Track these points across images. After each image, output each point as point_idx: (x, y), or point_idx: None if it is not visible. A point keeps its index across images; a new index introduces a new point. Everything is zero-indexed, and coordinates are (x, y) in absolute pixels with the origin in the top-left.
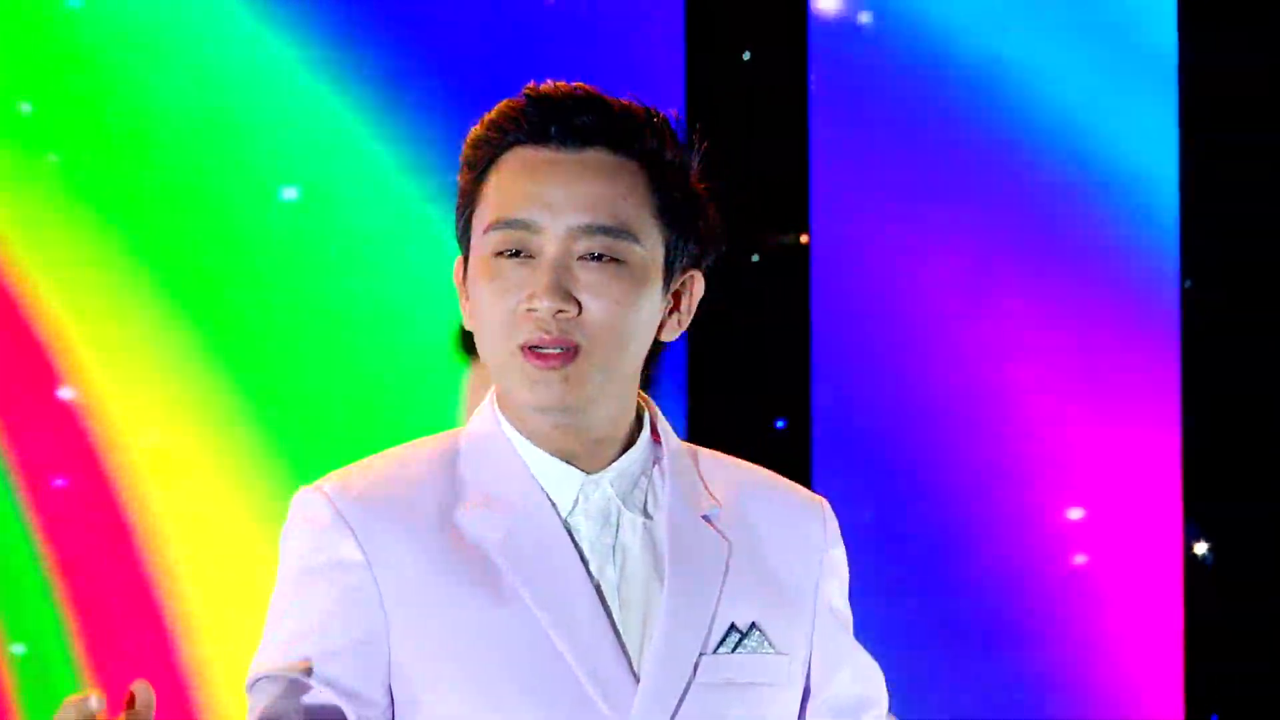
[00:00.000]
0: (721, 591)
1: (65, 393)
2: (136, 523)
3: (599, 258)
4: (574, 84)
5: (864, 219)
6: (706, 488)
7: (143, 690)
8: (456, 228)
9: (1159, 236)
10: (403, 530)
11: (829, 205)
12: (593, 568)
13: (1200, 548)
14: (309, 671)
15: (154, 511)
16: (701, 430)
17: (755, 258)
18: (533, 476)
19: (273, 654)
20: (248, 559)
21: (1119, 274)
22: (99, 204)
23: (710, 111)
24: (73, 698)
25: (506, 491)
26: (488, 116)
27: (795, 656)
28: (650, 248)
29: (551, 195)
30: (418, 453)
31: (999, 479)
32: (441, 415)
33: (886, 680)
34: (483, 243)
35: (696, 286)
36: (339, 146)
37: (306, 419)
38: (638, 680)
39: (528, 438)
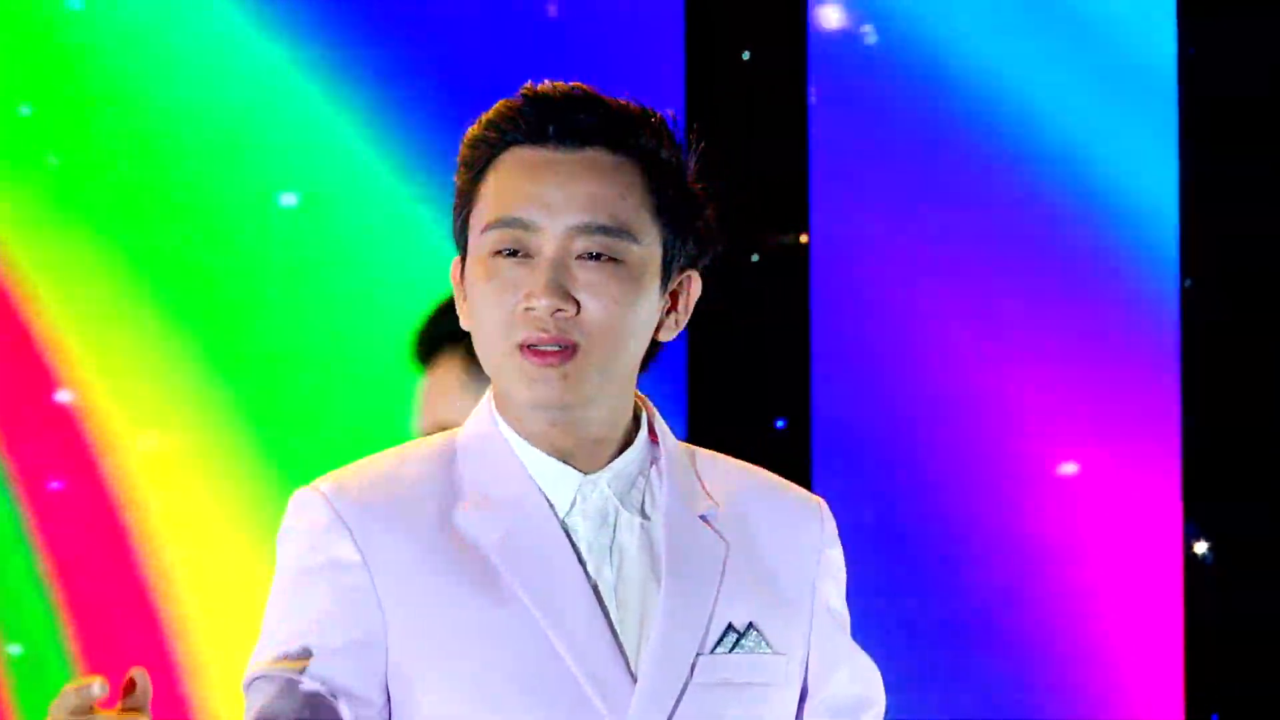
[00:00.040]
0: (719, 592)
1: (62, 395)
2: (133, 525)
3: (597, 257)
4: (572, 84)
5: (864, 219)
6: (704, 488)
7: (140, 678)
8: (454, 227)
9: (1159, 237)
10: (400, 531)
11: (828, 205)
12: (590, 568)
13: (1200, 547)
14: (306, 671)
15: (151, 514)
16: (701, 430)
17: (755, 258)
18: (530, 477)
19: (270, 654)
20: (245, 561)
21: (1118, 274)
22: (98, 207)
23: (710, 111)
24: (74, 683)
25: (504, 492)
26: (485, 116)
27: (793, 657)
28: (648, 247)
29: (549, 195)
30: (415, 453)
31: (999, 479)
32: None
33: (886, 680)
34: (480, 242)
35: (694, 286)
36: (339, 152)
37: (304, 423)
38: (635, 680)
39: (525, 438)
